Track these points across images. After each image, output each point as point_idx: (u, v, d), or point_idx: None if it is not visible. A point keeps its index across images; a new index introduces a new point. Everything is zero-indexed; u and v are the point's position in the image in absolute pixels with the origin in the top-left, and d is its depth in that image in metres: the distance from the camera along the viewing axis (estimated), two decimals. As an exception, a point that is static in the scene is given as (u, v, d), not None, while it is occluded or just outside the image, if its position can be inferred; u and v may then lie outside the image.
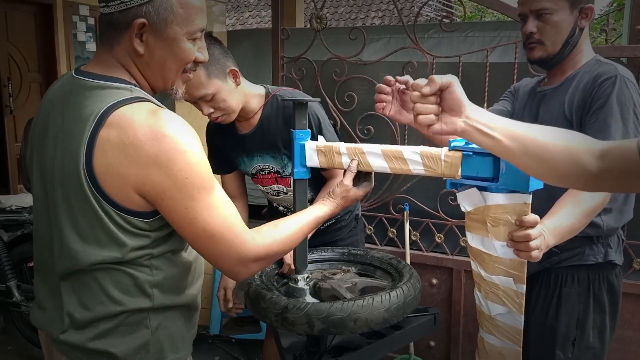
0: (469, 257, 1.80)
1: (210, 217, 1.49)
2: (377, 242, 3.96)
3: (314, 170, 2.10)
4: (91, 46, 7.23)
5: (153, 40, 1.50)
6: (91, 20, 7.18)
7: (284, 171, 2.71)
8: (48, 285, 1.62)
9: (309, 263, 2.26)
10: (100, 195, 1.42)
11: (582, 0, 2.11)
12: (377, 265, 2.48)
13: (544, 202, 1.94)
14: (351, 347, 2.20)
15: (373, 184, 2.03)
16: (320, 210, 1.92)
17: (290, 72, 3.99)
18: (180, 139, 1.42)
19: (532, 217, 1.62)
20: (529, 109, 2.33)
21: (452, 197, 3.51)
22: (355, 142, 3.63)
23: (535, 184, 1.54)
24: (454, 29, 3.65)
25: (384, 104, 1.89)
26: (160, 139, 1.39)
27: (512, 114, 2.37)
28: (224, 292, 2.81)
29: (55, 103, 1.54)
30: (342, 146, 1.90)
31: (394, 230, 3.88)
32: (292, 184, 2.71)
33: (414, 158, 1.73)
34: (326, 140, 2.20)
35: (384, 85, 1.86)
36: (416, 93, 1.40)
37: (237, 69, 2.51)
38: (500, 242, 1.66)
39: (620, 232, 2.24)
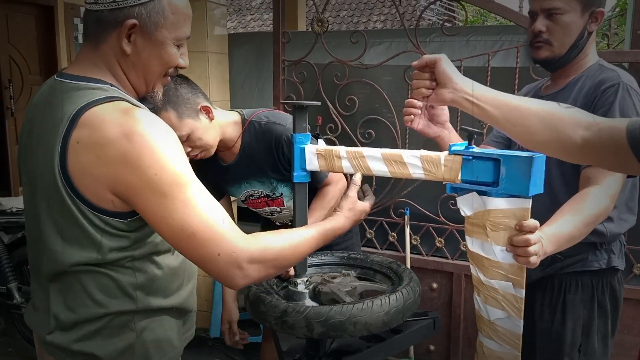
0: (469, 261, 1.80)
1: (186, 215, 1.40)
2: (377, 246, 3.96)
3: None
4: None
5: (141, 41, 1.51)
6: (93, 23, 7.17)
7: (274, 194, 2.70)
8: (39, 286, 1.62)
9: (308, 267, 2.26)
10: (76, 196, 1.41)
11: (594, 3, 2.09)
12: (377, 269, 2.48)
13: (546, 208, 1.93)
14: (350, 350, 2.20)
15: (374, 197, 2.05)
16: (329, 223, 1.82)
17: (291, 75, 3.99)
18: (151, 136, 1.39)
19: (532, 222, 1.61)
20: None
21: (453, 202, 3.50)
22: (356, 146, 3.63)
23: (535, 189, 1.54)
24: (455, 33, 3.65)
25: (412, 117, 1.96)
26: (130, 136, 1.37)
27: None
28: (229, 326, 2.81)
29: (38, 107, 1.55)
30: (342, 150, 1.90)
31: (395, 235, 3.89)
32: (284, 202, 2.71)
33: (414, 162, 1.72)
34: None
35: (415, 100, 1.90)
36: (415, 71, 1.72)
37: (209, 104, 2.47)
38: (500, 247, 1.66)
39: (622, 238, 2.24)
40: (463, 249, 3.65)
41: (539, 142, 1.51)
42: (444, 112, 2.04)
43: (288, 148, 2.47)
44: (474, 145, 1.64)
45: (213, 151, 2.53)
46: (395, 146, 3.67)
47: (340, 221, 1.84)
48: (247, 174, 2.67)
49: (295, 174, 2.00)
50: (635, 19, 3.34)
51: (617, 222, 2.13)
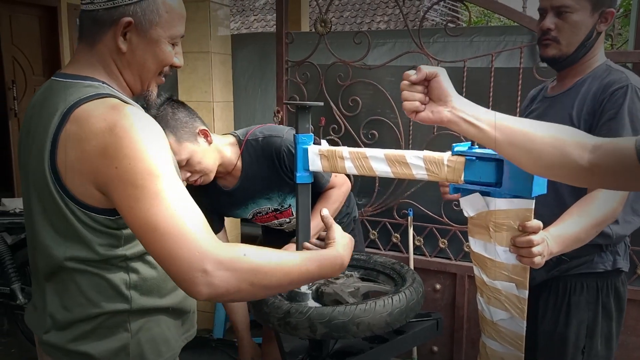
0: (472, 262, 1.80)
1: (153, 207, 1.31)
2: (380, 247, 3.96)
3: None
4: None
5: (137, 39, 1.53)
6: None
7: (282, 206, 2.70)
8: (38, 286, 1.63)
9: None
10: (65, 193, 1.42)
11: (604, 3, 2.08)
12: (380, 270, 2.48)
13: (551, 210, 1.93)
14: (353, 351, 2.20)
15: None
16: (323, 251, 1.61)
17: (295, 76, 3.99)
18: (134, 128, 1.36)
19: (535, 222, 1.61)
20: (537, 115, 2.33)
21: (456, 203, 3.50)
22: (360, 146, 3.63)
23: (539, 189, 1.54)
24: (459, 33, 3.66)
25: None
26: (112, 129, 1.35)
27: None
28: None
29: (35, 107, 1.56)
30: (345, 150, 1.90)
31: (398, 235, 3.88)
32: (293, 212, 2.70)
33: (417, 163, 1.72)
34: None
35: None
36: (405, 82, 1.52)
37: (207, 128, 2.46)
38: (503, 248, 1.66)
39: (627, 239, 2.23)
40: (466, 250, 3.64)
41: (545, 166, 1.42)
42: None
43: (289, 158, 2.47)
44: (477, 146, 1.64)
45: (212, 176, 2.51)
46: (398, 147, 3.67)
47: (334, 250, 1.61)
48: (252, 194, 2.65)
49: (298, 174, 2.00)
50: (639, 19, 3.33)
51: (623, 224, 2.12)
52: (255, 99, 4.54)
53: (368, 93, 3.91)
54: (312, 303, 2.15)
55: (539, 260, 1.65)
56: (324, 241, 1.69)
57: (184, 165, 2.37)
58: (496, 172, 1.58)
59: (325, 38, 3.79)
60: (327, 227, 1.69)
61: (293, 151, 2.39)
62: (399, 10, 3.69)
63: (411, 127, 3.73)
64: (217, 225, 2.74)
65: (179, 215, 1.32)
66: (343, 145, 2.12)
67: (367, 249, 3.67)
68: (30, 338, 4.23)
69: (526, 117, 2.38)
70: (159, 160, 1.37)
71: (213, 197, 2.66)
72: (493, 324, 1.78)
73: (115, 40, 1.51)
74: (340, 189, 2.69)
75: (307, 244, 1.83)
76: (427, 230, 3.79)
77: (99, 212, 1.44)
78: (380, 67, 3.76)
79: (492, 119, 1.44)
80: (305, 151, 1.98)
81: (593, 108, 2.07)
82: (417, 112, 1.51)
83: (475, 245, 1.73)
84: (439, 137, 3.63)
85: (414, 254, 3.79)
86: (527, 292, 1.67)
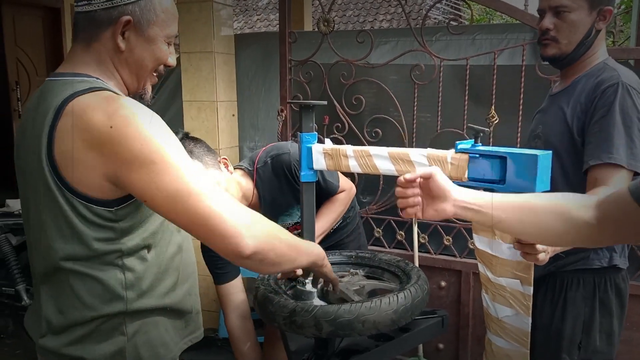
0: (477, 259, 1.80)
1: (180, 176, 1.39)
2: (385, 244, 3.95)
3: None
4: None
5: (134, 38, 1.56)
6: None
7: None
8: (35, 288, 1.64)
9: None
10: (63, 185, 1.43)
11: (602, 1, 2.10)
12: (385, 267, 2.48)
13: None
14: (359, 349, 2.20)
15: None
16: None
17: (298, 75, 3.99)
18: (134, 117, 1.41)
19: (539, 219, 1.61)
20: (540, 113, 2.34)
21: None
22: (363, 145, 3.63)
23: (542, 186, 1.54)
24: (461, 31, 3.64)
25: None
26: (113, 118, 1.39)
27: None
28: None
29: (30, 108, 1.58)
30: (349, 149, 1.91)
31: (403, 233, 3.88)
32: None
33: (420, 160, 1.73)
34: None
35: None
36: (399, 187, 1.57)
37: (227, 158, 2.51)
38: (507, 245, 1.66)
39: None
40: (471, 247, 3.64)
41: (554, 235, 1.42)
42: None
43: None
44: (480, 143, 1.64)
45: None
46: (402, 145, 3.67)
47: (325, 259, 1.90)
48: (274, 217, 2.66)
49: (302, 173, 2.01)
50: (642, 15, 3.34)
51: None
52: (258, 99, 4.54)
53: (371, 91, 3.91)
54: (317, 301, 2.16)
55: (543, 257, 1.66)
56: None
57: None
58: (500, 169, 1.59)
59: (328, 37, 3.79)
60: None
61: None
62: (402, 8, 3.69)
63: (415, 125, 3.73)
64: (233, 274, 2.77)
65: (207, 181, 1.43)
66: (347, 143, 2.11)
67: (371, 247, 3.68)
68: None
69: (536, 114, 2.40)
70: (167, 139, 1.44)
71: None
72: (498, 321, 1.79)
73: (114, 39, 1.53)
74: (349, 192, 2.73)
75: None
76: (431, 228, 3.79)
77: (98, 204, 1.45)
78: (384, 66, 3.75)
79: (490, 200, 1.46)
80: (310, 150, 1.99)
81: (586, 106, 2.08)
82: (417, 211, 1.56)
83: (479, 242, 1.74)
84: (443, 134, 3.62)
85: (419, 251, 3.78)
86: (531, 288, 1.68)
